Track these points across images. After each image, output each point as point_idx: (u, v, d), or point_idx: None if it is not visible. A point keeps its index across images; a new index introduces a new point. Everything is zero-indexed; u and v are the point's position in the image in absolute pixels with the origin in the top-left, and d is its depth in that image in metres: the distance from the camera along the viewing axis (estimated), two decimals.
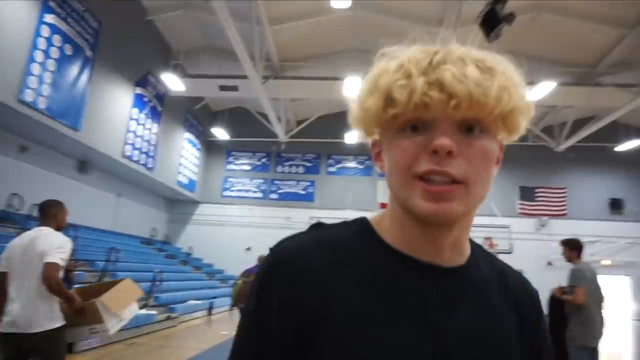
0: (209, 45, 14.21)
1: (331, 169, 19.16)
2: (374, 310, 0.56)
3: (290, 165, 19.52)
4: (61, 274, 2.84)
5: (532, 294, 0.70)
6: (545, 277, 17.60)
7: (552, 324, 3.99)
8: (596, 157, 18.16)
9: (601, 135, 16.26)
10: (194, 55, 14.44)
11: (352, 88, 12.30)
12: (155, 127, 13.90)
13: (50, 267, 2.73)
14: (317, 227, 0.66)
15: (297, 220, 18.24)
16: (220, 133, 17.70)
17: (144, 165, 13.29)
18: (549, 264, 18.12)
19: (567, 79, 13.01)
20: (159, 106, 14.09)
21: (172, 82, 12.63)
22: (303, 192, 18.98)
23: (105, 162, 12.04)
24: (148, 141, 13.47)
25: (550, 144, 16.91)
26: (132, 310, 3.28)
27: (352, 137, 13.76)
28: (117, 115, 11.72)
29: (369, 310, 0.56)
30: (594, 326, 3.88)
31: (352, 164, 19.07)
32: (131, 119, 12.36)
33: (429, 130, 0.55)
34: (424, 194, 0.54)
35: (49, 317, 2.77)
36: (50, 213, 3.03)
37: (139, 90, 12.69)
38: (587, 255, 19.42)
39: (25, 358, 2.78)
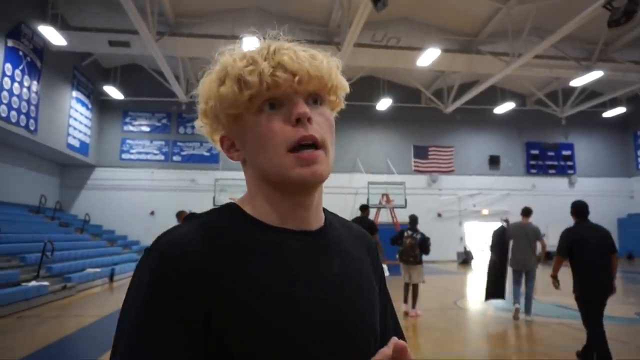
0: None
1: None
2: (266, 278, 0.62)
3: (193, 127, 18.70)
4: None
5: (370, 238, 0.89)
6: (436, 227, 19.73)
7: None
8: (478, 118, 20.18)
9: (482, 99, 18.06)
10: (77, 5, 13.08)
11: (251, 48, 12.13)
12: (35, 85, 12.60)
13: None
14: (192, 217, 0.70)
15: (202, 182, 18.00)
16: (113, 92, 16.46)
17: (25, 127, 12.10)
18: (439, 215, 20.15)
19: (451, 46, 14.11)
20: (38, 61, 12.73)
21: (51, 35, 11.40)
22: (207, 154, 18.62)
23: None
24: (27, 101, 12.21)
25: (440, 106, 18.39)
26: None
27: None
28: None
29: (262, 279, 0.62)
30: (514, 257, 6.67)
31: None
32: (4, 75, 11.07)
33: (285, 105, 0.65)
34: (298, 163, 0.64)
35: None
36: (179, 217, 6.75)
37: (11, 43, 11.32)
38: (470, 205, 21.54)
39: None
